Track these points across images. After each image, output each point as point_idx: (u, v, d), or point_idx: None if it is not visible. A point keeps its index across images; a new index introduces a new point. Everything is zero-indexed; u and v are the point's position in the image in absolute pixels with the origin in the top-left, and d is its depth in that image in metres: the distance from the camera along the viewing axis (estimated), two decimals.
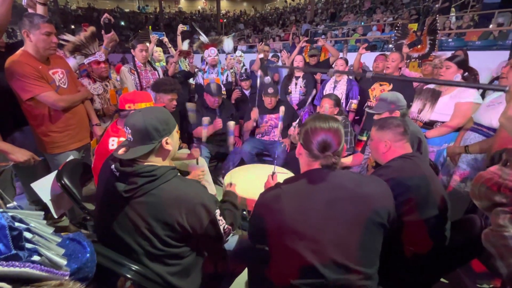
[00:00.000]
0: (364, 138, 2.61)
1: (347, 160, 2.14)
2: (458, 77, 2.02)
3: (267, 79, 2.30)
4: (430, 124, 2.11)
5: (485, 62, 3.35)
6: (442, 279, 1.67)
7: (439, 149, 2.08)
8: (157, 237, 0.96)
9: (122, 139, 1.49)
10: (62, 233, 0.64)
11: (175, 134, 1.06)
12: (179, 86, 2.22)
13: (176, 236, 0.98)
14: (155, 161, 1.00)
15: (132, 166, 0.95)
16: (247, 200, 1.62)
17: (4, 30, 1.65)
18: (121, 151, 0.97)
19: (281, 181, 1.03)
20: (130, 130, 0.96)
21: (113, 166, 0.97)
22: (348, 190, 0.92)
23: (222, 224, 1.05)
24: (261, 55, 2.31)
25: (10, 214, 0.44)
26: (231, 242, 1.29)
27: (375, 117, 1.85)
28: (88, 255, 0.58)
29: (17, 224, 0.43)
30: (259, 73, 3.45)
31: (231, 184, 1.54)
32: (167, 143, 1.00)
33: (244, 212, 1.78)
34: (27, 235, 0.44)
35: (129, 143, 0.98)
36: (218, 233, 1.04)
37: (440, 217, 1.18)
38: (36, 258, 0.42)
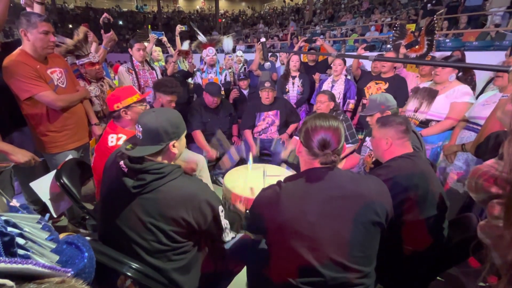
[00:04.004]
0: (361, 137, 2.63)
1: (340, 164, 2.16)
2: (453, 77, 2.04)
3: (267, 64, 2.31)
4: (425, 123, 2.13)
5: (482, 63, 3.37)
6: (438, 278, 1.69)
7: (433, 147, 2.11)
8: (163, 232, 0.97)
9: (121, 135, 1.49)
10: (64, 234, 0.64)
11: (183, 139, 1.09)
12: (180, 89, 2.22)
13: (181, 231, 1.00)
14: (161, 161, 1.02)
15: (141, 163, 0.97)
16: (245, 199, 1.63)
17: (1, 29, 1.64)
18: (128, 146, 0.99)
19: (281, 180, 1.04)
20: (141, 129, 0.98)
21: (121, 162, 0.98)
22: (346, 189, 0.92)
23: (224, 221, 1.08)
24: (263, 39, 2.31)
25: (3, 218, 0.43)
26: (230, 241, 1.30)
27: (368, 119, 1.87)
28: (85, 260, 0.56)
29: (10, 229, 0.42)
30: (257, 72, 3.47)
31: (240, 201, 1.56)
32: (174, 146, 1.02)
33: (247, 211, 1.79)
34: (20, 241, 0.43)
35: (138, 140, 1.00)
36: (220, 229, 1.08)
37: (438, 216, 1.20)
38: None
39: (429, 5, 6.88)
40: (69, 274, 0.42)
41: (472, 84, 3.01)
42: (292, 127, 2.90)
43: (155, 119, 0.98)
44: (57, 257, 0.48)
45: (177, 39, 3.60)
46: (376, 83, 2.83)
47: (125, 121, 1.53)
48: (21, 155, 1.46)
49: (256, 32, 13.19)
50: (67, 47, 2.13)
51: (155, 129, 0.97)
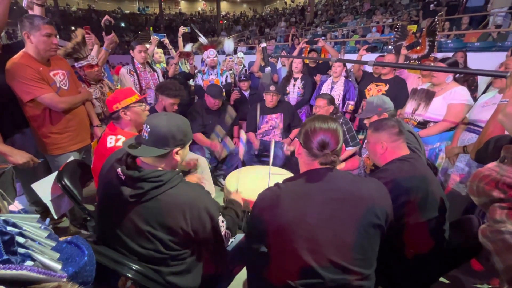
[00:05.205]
0: (362, 137, 2.63)
1: (340, 166, 2.17)
2: (450, 78, 2.05)
3: (268, 69, 2.32)
4: (423, 124, 2.14)
5: (484, 64, 3.35)
6: (441, 279, 1.68)
7: (431, 148, 2.11)
8: (161, 241, 0.96)
9: (120, 137, 1.49)
10: (63, 238, 0.64)
11: (187, 148, 1.07)
12: (183, 92, 2.22)
13: (179, 241, 0.98)
14: (160, 167, 1.00)
15: (139, 171, 0.94)
16: (247, 201, 1.62)
17: (1, 31, 1.66)
18: (130, 145, 0.97)
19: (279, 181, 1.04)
20: (149, 129, 0.96)
21: (119, 170, 0.96)
22: (347, 191, 0.92)
23: (224, 230, 1.06)
24: (264, 44, 2.34)
25: (2, 218, 0.43)
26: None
27: (365, 121, 1.88)
28: (86, 258, 0.56)
29: (9, 228, 0.42)
30: (259, 74, 3.47)
31: (237, 191, 1.54)
32: (177, 153, 1.00)
33: (249, 213, 1.79)
34: (20, 239, 0.43)
35: (142, 140, 0.98)
36: (219, 238, 1.05)
37: (439, 218, 1.19)
38: (29, 263, 0.42)
39: (432, 5, 6.87)
40: (64, 279, 0.42)
41: (474, 85, 3.00)
42: (294, 132, 2.90)
43: (166, 122, 0.97)
44: (57, 255, 0.48)
45: (180, 40, 3.62)
46: (377, 85, 2.84)
47: (124, 121, 1.54)
48: (19, 157, 1.47)
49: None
50: (66, 50, 2.14)
51: (164, 133, 0.95)
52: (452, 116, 1.99)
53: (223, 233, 1.05)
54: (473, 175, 0.79)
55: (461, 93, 1.98)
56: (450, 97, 2.00)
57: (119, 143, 1.46)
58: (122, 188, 0.94)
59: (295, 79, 3.28)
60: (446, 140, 2.06)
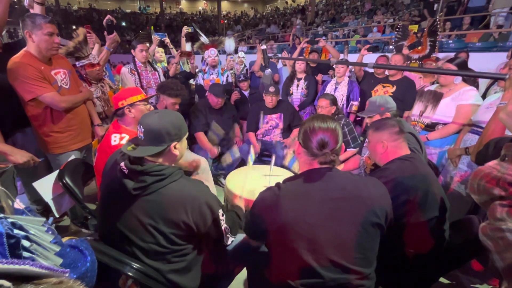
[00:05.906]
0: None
1: (341, 166, 2.17)
2: (458, 79, 2.03)
3: (268, 71, 2.33)
4: (431, 126, 2.11)
5: (485, 64, 3.36)
6: (441, 279, 1.68)
7: (441, 151, 2.08)
8: (163, 235, 0.97)
9: (124, 135, 1.51)
10: (66, 238, 0.65)
11: (185, 141, 1.09)
12: (185, 91, 2.22)
13: (181, 234, 1.00)
14: (162, 163, 1.02)
15: (142, 165, 0.97)
16: (247, 201, 1.63)
17: (1, 30, 1.66)
18: (129, 147, 0.99)
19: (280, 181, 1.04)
20: (143, 129, 0.98)
21: (122, 164, 0.99)
22: (346, 191, 0.92)
23: (224, 224, 1.08)
24: (264, 46, 2.34)
25: (10, 220, 0.43)
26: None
27: (367, 120, 1.87)
28: (88, 264, 0.57)
29: (16, 231, 0.42)
30: (259, 73, 3.47)
31: (237, 195, 1.56)
32: (175, 148, 1.03)
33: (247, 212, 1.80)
34: (25, 243, 0.43)
35: (139, 141, 1.01)
36: (220, 232, 1.07)
37: (439, 218, 1.19)
38: None
39: (435, 5, 6.85)
40: (67, 275, 0.42)
41: (475, 85, 3.00)
42: (295, 131, 2.90)
43: (158, 120, 0.99)
44: (60, 260, 0.49)
45: (183, 40, 3.62)
46: (384, 86, 2.82)
47: (128, 119, 1.55)
48: (19, 156, 1.47)
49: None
50: (67, 49, 2.14)
51: (158, 130, 0.98)
52: (461, 117, 1.95)
53: (223, 227, 1.07)
54: (474, 173, 0.79)
55: (470, 94, 1.94)
56: (459, 98, 1.96)
57: (123, 141, 1.47)
58: (126, 181, 0.96)
59: (299, 79, 3.27)
60: (454, 142, 2.01)
